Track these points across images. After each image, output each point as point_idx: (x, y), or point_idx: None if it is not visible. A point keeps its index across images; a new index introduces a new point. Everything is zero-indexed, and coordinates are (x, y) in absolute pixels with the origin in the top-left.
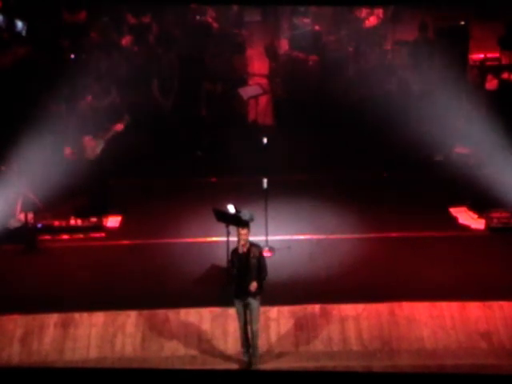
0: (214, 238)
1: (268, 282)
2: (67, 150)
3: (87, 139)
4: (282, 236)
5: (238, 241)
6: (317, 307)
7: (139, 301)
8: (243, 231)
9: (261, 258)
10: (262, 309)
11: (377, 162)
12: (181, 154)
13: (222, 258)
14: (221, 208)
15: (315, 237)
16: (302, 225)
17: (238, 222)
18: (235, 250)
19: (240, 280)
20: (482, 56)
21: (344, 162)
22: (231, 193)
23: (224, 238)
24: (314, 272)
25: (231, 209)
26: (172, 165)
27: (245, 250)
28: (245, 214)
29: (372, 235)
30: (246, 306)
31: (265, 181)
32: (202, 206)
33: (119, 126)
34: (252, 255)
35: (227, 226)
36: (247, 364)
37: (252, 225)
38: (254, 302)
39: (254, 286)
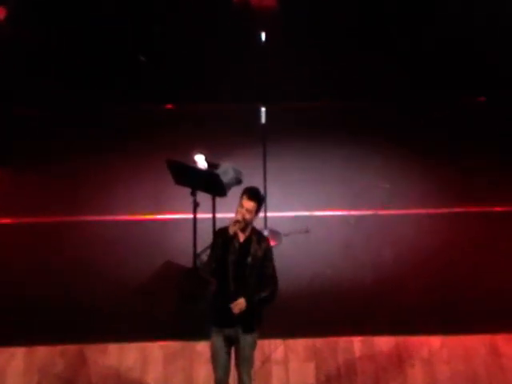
0: (169, 216)
1: None
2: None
3: None
4: (292, 211)
5: (235, 221)
6: (356, 341)
7: (32, 329)
8: (248, 204)
9: (266, 257)
10: (260, 343)
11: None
12: (110, 62)
13: (184, 250)
14: (182, 160)
15: (352, 212)
16: (328, 191)
17: (214, 185)
18: (223, 233)
19: (223, 291)
20: None
21: (396, 81)
22: (201, 131)
23: (188, 215)
24: (350, 275)
25: (201, 161)
26: (93, 82)
27: (241, 237)
28: (225, 171)
29: (454, 210)
30: (231, 341)
31: (262, 111)
32: (147, 155)
33: None
34: (252, 249)
35: (193, 193)
36: None
37: (237, 191)
38: (245, 338)
39: (239, 304)
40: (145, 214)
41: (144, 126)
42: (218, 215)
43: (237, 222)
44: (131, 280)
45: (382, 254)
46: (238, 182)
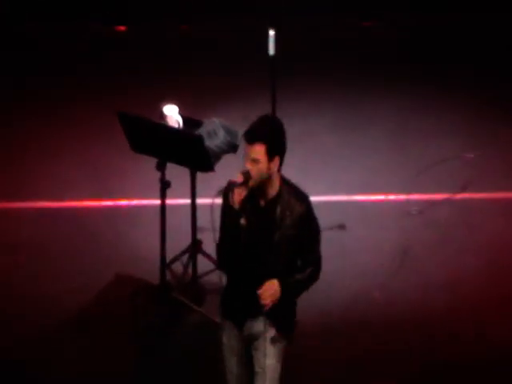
0: (123, 202)
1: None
2: None
3: None
4: (319, 195)
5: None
6: None
7: None
8: (252, 149)
9: (302, 225)
10: None
11: None
12: None
13: (147, 255)
14: (143, 114)
15: (414, 197)
16: (375, 165)
17: (194, 153)
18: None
19: (238, 273)
20: None
21: None
22: (173, 68)
23: (154, 201)
24: (410, 298)
25: (173, 115)
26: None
27: (262, 199)
28: (212, 131)
29: None
30: (250, 343)
31: (270, 35)
32: (87, 107)
33: None
34: (279, 216)
35: (161, 167)
36: None
37: (231, 162)
38: (269, 340)
39: (270, 289)
40: (86, 200)
41: (79, 59)
42: (200, 201)
43: (236, 189)
44: (63, 303)
45: (462, 266)
46: (232, 148)
